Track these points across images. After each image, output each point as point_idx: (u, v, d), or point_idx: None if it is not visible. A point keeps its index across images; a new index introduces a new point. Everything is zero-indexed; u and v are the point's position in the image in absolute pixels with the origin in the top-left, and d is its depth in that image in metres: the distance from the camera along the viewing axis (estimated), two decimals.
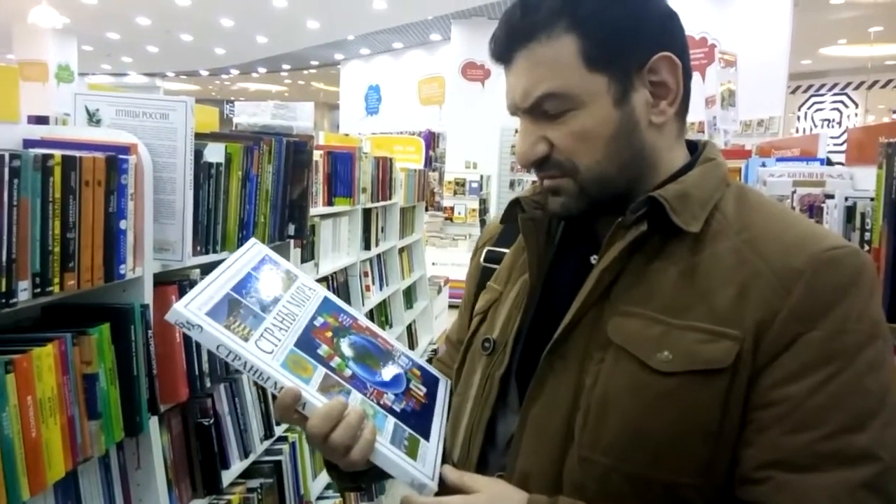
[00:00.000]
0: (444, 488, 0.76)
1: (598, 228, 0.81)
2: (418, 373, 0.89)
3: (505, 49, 0.76)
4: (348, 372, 0.77)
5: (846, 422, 0.64)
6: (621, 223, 0.74)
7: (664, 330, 0.70)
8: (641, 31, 0.74)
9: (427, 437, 0.79)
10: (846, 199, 1.83)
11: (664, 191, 0.73)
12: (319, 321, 0.82)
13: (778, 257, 0.69)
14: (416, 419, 0.80)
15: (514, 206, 0.86)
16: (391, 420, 0.76)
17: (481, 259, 0.96)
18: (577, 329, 0.74)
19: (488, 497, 0.72)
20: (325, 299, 0.87)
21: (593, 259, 0.77)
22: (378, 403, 0.77)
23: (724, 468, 0.68)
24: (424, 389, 0.87)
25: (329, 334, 0.81)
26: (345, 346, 0.81)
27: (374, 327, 0.90)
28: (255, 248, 0.85)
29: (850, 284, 0.67)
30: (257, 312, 0.75)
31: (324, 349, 0.78)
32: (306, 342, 0.77)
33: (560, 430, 0.73)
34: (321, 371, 0.74)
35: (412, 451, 0.75)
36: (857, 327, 0.66)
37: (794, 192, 2.30)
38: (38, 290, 1.07)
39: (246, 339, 0.71)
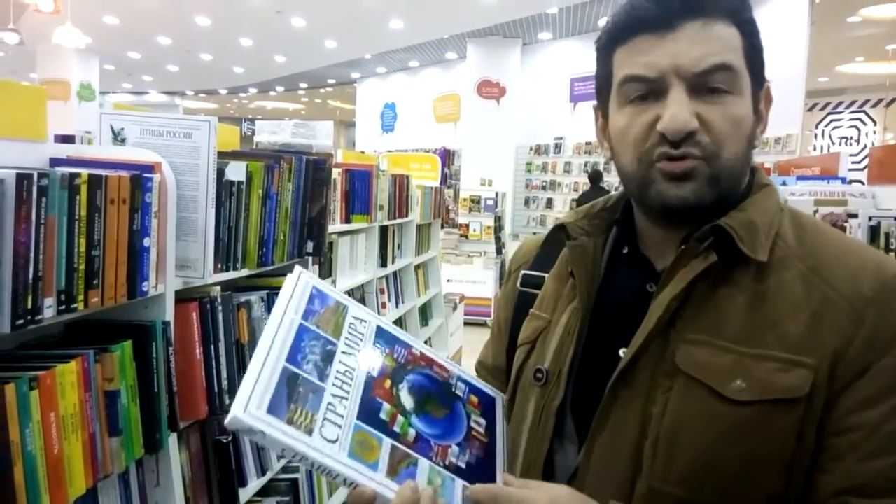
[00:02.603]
0: None
1: (651, 255, 0.81)
2: (476, 400, 0.86)
3: (679, 13, 0.72)
4: (412, 434, 0.76)
5: None
6: (686, 251, 0.73)
7: (735, 359, 0.69)
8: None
9: None
10: (870, 218, 1.81)
11: (730, 219, 0.72)
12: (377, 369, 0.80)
13: (846, 284, 0.69)
14: (481, 471, 0.78)
15: (559, 231, 0.85)
16: (459, 484, 0.75)
17: (517, 283, 0.93)
18: (642, 357, 0.73)
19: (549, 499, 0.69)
20: (378, 331, 0.84)
21: (649, 287, 0.76)
22: (444, 465, 0.75)
23: (797, 496, 0.68)
24: (484, 423, 0.84)
25: (388, 384, 0.79)
26: (404, 396, 0.79)
27: (428, 351, 0.87)
28: (301, 281, 0.80)
29: None
30: (316, 385, 0.72)
31: (385, 410, 0.76)
32: (368, 407, 0.74)
33: (628, 460, 0.72)
34: (387, 445, 0.72)
35: None
36: None
37: (815, 212, 2.28)
38: (63, 306, 1.08)
39: (310, 432, 0.67)
